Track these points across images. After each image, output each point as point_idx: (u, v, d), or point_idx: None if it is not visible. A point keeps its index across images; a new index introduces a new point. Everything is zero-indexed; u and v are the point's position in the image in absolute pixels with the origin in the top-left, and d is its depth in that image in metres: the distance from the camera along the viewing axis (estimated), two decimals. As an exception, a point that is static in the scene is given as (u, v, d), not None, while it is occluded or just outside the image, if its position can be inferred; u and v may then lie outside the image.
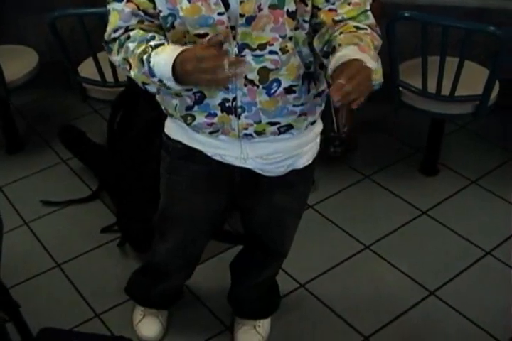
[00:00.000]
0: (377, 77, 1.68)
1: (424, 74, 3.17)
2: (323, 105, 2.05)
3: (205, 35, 1.76)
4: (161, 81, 1.69)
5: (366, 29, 1.79)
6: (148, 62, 1.67)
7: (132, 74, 1.75)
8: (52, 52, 3.39)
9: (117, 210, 3.34)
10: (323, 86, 2.00)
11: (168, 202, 2.32)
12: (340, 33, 1.74)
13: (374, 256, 3.22)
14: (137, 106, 3.13)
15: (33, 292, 3.05)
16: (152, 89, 1.76)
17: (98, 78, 3.40)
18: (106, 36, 1.85)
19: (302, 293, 3.04)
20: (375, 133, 4.06)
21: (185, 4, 1.73)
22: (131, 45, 1.75)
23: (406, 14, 2.98)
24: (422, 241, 3.30)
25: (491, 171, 3.74)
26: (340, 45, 1.68)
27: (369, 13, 1.85)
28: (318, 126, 2.12)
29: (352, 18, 1.81)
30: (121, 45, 1.80)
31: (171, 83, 1.67)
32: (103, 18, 2.96)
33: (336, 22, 1.80)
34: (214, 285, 3.03)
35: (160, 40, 1.74)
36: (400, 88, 3.35)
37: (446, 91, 3.20)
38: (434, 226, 3.39)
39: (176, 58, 1.63)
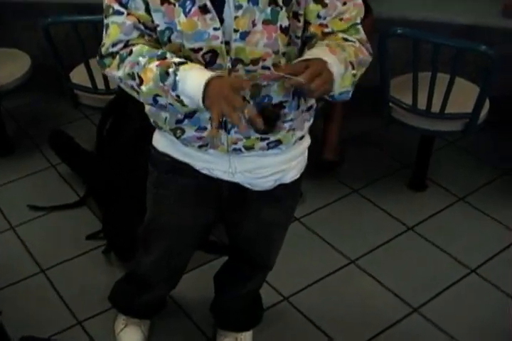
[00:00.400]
0: (345, 84, 1.74)
1: (415, 91, 3.17)
2: (312, 120, 2.06)
3: (199, 49, 1.76)
4: (178, 96, 1.68)
5: (354, 42, 1.83)
6: (175, 75, 1.66)
7: (144, 89, 1.73)
8: (46, 56, 3.38)
9: (103, 218, 3.33)
10: (312, 101, 2.00)
11: (155, 215, 2.30)
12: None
13: (359, 271, 3.21)
14: (127, 114, 3.13)
15: (15, 297, 3.04)
16: (162, 101, 1.74)
17: (89, 85, 3.41)
18: (103, 50, 1.81)
19: (285, 306, 3.03)
20: (364, 147, 4.07)
21: (182, 18, 1.73)
22: (141, 60, 1.73)
23: (398, 31, 2.98)
24: (408, 257, 3.30)
25: (479, 188, 3.74)
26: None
27: (359, 27, 1.88)
28: (306, 141, 2.12)
29: (342, 31, 1.84)
30: (122, 60, 1.77)
31: (189, 100, 1.67)
32: (96, 26, 2.99)
33: (325, 34, 1.83)
34: (197, 295, 3.02)
35: (172, 56, 1.73)
36: (391, 104, 3.35)
37: (436, 108, 3.20)
38: (420, 242, 3.38)
39: (211, 79, 1.64)
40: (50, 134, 3.75)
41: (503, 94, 3.56)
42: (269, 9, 1.73)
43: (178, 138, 1.96)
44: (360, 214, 3.57)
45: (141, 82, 1.73)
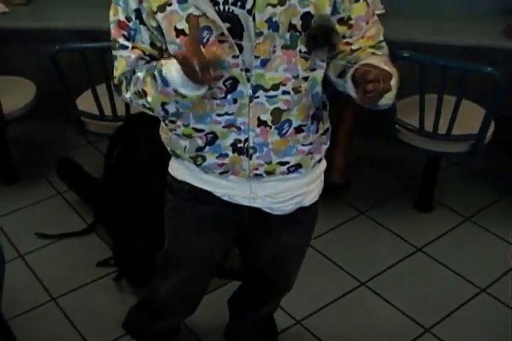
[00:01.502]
0: (391, 96, 1.73)
1: (422, 113, 3.19)
2: (328, 143, 2.07)
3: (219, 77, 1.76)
4: (176, 91, 1.66)
5: (383, 56, 1.84)
6: (160, 71, 1.66)
7: (150, 99, 1.74)
8: (52, 83, 3.38)
9: (113, 244, 3.33)
10: (328, 124, 2.03)
11: (173, 243, 2.30)
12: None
13: (369, 293, 3.21)
14: (135, 141, 3.13)
15: (27, 326, 3.02)
16: (171, 109, 1.75)
17: (96, 112, 3.41)
18: (116, 81, 1.86)
19: (299, 329, 3.03)
20: (370, 168, 4.10)
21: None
22: (140, 75, 1.75)
23: (405, 54, 3.00)
24: (417, 277, 3.31)
25: (485, 208, 3.77)
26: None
27: (384, 44, 1.92)
28: (323, 164, 2.13)
29: (369, 47, 1.88)
30: (128, 82, 1.80)
31: (185, 90, 1.65)
32: (103, 53, 3.00)
33: (353, 51, 1.86)
34: (209, 321, 3.01)
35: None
36: (397, 126, 3.37)
37: (442, 129, 3.22)
38: (429, 263, 3.39)
39: None
40: (57, 161, 3.75)
41: (506, 114, 3.58)
42: (288, 35, 1.75)
43: (198, 165, 1.96)
44: (368, 236, 3.58)
45: (146, 94, 1.74)
